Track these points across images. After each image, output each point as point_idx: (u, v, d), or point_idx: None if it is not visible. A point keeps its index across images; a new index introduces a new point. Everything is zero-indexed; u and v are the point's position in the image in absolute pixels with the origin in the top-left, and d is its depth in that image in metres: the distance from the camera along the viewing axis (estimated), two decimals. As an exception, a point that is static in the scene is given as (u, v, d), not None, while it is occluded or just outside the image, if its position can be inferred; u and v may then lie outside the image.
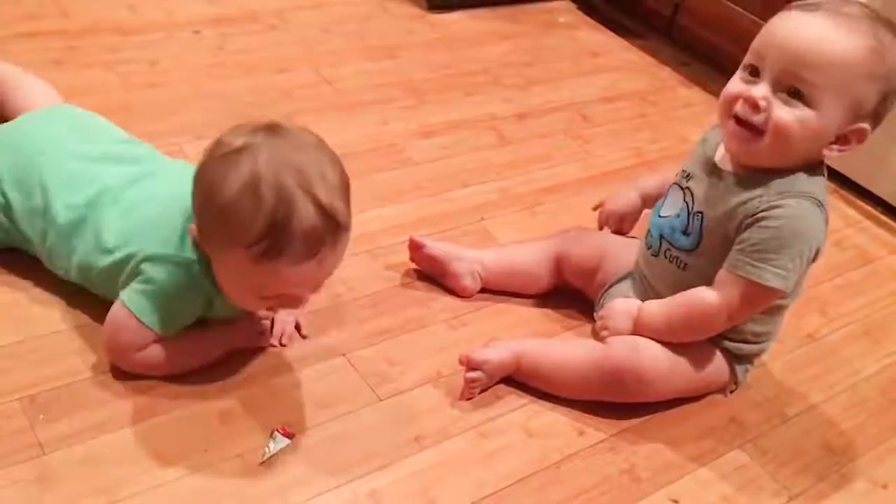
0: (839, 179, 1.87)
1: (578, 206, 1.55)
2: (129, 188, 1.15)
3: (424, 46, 2.07)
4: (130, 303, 1.07)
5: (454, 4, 2.25)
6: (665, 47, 2.33)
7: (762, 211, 1.09)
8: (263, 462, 1.04)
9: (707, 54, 2.27)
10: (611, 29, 2.36)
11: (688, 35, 2.29)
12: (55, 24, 1.81)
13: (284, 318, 1.20)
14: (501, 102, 1.91)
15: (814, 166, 1.12)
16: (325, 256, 1.00)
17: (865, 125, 1.09)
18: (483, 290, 1.36)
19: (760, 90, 1.07)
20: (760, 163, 1.12)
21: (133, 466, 1.00)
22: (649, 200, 1.35)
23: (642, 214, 1.38)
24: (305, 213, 0.96)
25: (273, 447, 1.05)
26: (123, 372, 1.10)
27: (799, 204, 1.09)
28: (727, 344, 1.22)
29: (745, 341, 1.22)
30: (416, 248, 1.34)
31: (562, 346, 1.26)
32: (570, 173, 1.71)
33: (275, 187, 0.96)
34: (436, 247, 1.34)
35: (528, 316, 1.35)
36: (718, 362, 1.22)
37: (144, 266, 1.07)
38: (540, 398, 1.21)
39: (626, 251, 1.30)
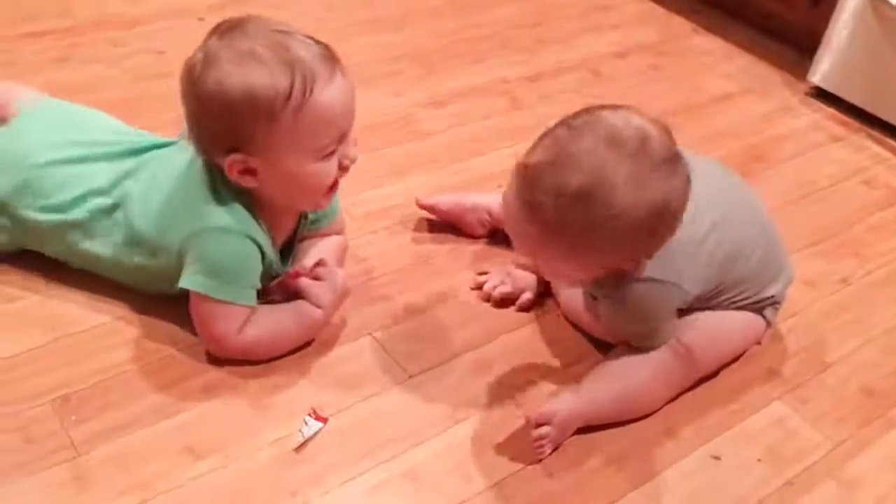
0: (864, 117, 1.83)
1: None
2: (139, 174, 1.14)
3: (430, 14, 2.04)
4: (201, 287, 1.07)
5: (458, -31, 2.21)
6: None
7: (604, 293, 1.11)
8: (298, 448, 1.04)
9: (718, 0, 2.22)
10: (619, -19, 2.31)
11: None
12: (57, 22, 1.79)
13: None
14: (512, 66, 1.88)
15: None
16: (341, 74, 1.04)
17: (634, 263, 1.04)
18: (497, 232, 1.36)
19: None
20: None
21: (168, 460, 1.00)
22: None
23: None
24: (300, 43, 1.02)
25: (306, 432, 1.05)
26: (151, 366, 1.10)
27: (624, 290, 1.08)
28: (744, 303, 1.19)
29: (748, 297, 1.19)
30: (426, 208, 1.38)
31: (623, 373, 1.13)
32: (587, 132, 1.67)
33: (263, 45, 1.00)
34: (445, 202, 1.37)
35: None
36: (756, 319, 1.21)
37: (190, 245, 1.07)
38: (573, 366, 1.19)
39: None
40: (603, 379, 1.12)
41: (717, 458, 1.10)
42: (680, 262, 1.07)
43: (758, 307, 1.20)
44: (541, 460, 1.06)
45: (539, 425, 1.05)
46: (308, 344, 1.16)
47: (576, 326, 1.25)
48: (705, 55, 2.05)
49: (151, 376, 1.09)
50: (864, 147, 1.77)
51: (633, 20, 2.15)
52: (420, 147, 1.59)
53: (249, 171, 1.05)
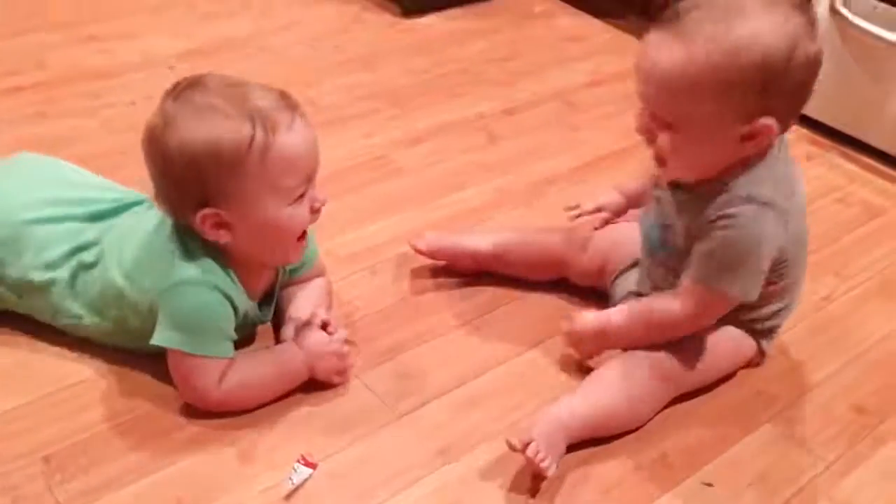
0: (836, 135, 1.85)
1: (576, 196, 1.52)
2: (114, 232, 1.14)
3: (403, 53, 2.05)
4: (174, 343, 1.06)
5: (427, 7, 2.23)
6: (645, 25, 2.30)
7: (713, 221, 1.08)
8: (288, 495, 1.02)
9: (688, 26, 2.25)
10: (588, 12, 2.33)
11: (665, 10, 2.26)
12: (33, 77, 1.80)
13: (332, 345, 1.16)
14: (487, 100, 1.89)
15: (748, 163, 1.08)
16: (301, 119, 1.05)
17: (767, 121, 1.03)
18: (488, 273, 1.36)
19: (642, 121, 1.08)
20: (686, 180, 1.12)
21: (157, 516, 0.99)
22: (633, 199, 1.32)
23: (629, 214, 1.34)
24: (257, 92, 1.03)
25: (296, 479, 1.03)
26: (133, 422, 1.09)
27: (743, 212, 1.07)
28: (753, 325, 1.20)
29: (768, 318, 1.20)
30: (424, 255, 1.36)
31: (602, 387, 1.13)
32: (564, 163, 1.68)
33: (220, 98, 1.01)
34: (444, 251, 1.36)
35: (541, 314, 1.32)
36: (747, 340, 1.21)
37: (160, 301, 1.06)
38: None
39: (632, 239, 1.26)
40: (583, 392, 1.13)
41: (709, 484, 1.09)
42: (786, 202, 1.09)
43: (765, 331, 1.21)
44: (546, 477, 1.04)
45: (525, 445, 1.04)
46: (293, 390, 1.15)
47: (567, 361, 1.24)
48: (677, 81, 2.07)
49: (135, 432, 1.08)
50: (837, 165, 1.78)
51: (604, 49, 2.17)
52: (399, 185, 1.59)
53: (223, 225, 1.05)
